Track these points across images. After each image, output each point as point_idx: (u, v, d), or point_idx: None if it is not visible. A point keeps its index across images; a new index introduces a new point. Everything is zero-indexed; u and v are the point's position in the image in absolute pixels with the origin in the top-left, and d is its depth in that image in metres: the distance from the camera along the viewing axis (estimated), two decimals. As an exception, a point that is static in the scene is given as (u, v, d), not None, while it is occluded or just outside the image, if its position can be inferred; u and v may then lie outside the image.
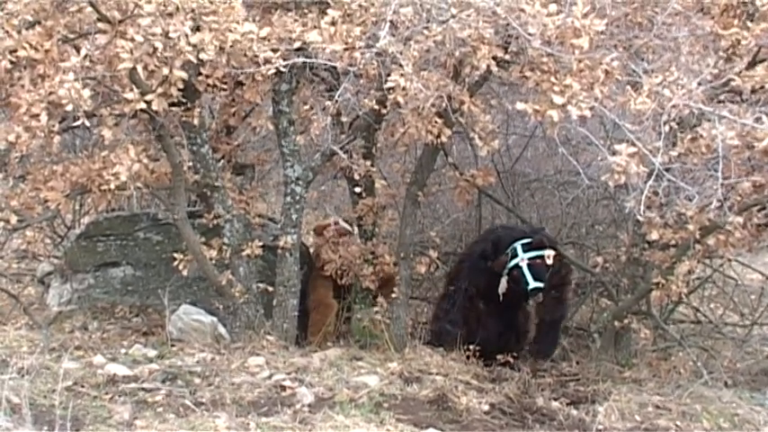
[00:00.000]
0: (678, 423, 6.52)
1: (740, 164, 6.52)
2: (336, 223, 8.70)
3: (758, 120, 6.09)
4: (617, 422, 6.48)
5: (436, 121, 6.60)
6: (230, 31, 6.02)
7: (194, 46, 5.95)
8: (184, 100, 6.85)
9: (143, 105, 6.22)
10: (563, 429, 6.27)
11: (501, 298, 8.22)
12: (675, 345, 8.81)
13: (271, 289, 7.77)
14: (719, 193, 6.00)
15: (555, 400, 6.83)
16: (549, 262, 7.98)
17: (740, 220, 6.68)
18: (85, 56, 5.94)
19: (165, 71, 6.10)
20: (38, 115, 5.93)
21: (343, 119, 7.92)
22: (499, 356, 8.12)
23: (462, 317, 8.33)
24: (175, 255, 7.56)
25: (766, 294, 10.02)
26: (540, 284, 7.93)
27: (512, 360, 8.17)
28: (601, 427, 6.28)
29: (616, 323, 8.16)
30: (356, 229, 8.67)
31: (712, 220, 6.68)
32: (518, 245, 8.06)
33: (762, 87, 6.45)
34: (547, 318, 8.41)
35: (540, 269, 7.96)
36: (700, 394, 7.26)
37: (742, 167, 6.63)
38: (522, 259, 7.98)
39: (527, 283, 7.94)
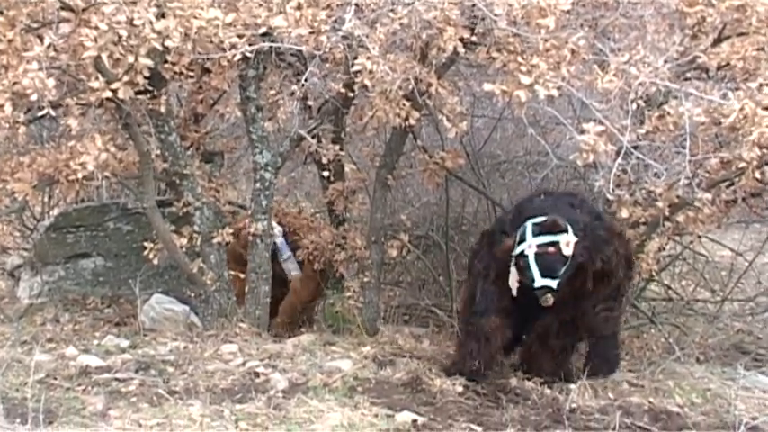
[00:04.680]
0: (651, 399, 6.56)
1: (708, 140, 6.57)
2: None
3: (724, 96, 6.13)
4: (590, 400, 6.51)
5: (404, 104, 6.57)
6: (195, 17, 5.99)
7: (159, 33, 5.91)
8: (151, 88, 6.79)
9: (109, 94, 6.19)
10: (537, 408, 6.29)
11: (515, 293, 6.58)
12: (647, 322, 8.86)
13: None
14: (688, 169, 6.05)
15: (528, 379, 6.84)
16: (567, 252, 6.24)
17: (709, 196, 6.72)
18: (49, 45, 5.88)
19: (131, 59, 6.07)
20: (2, 106, 5.87)
21: (311, 103, 7.89)
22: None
23: (492, 303, 6.72)
24: (146, 244, 7.53)
25: (736, 270, 10.08)
26: (551, 283, 6.24)
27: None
28: (574, 405, 6.30)
29: (588, 302, 8.14)
30: (281, 229, 8.26)
31: (681, 197, 6.71)
32: (529, 224, 6.40)
33: (728, 64, 6.50)
34: (596, 332, 6.83)
35: (551, 261, 6.24)
36: (672, 370, 7.32)
37: (709, 144, 6.67)
38: (530, 245, 6.28)
39: (532, 280, 6.28)
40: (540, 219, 6.36)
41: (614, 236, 6.65)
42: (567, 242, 6.22)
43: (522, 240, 6.33)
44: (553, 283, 6.22)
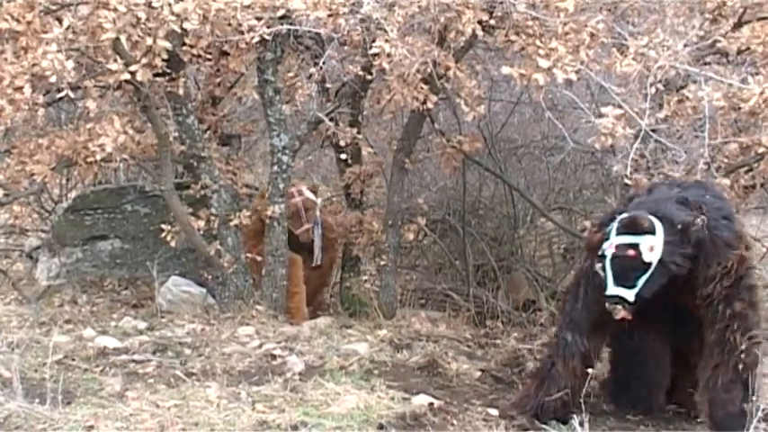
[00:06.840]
0: (668, 384, 6.54)
1: (726, 125, 6.54)
2: (300, 192, 7.99)
3: (744, 81, 6.10)
4: (607, 385, 6.50)
5: (422, 88, 6.57)
6: (213, -1, 6.01)
7: (178, 15, 5.93)
8: (169, 70, 6.81)
9: (127, 76, 6.20)
10: (553, 393, 6.28)
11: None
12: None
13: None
14: (706, 154, 6.02)
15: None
16: (649, 258, 5.17)
17: (727, 181, 6.68)
18: (68, 27, 5.90)
19: (149, 41, 6.08)
20: (21, 88, 5.89)
21: (329, 86, 7.89)
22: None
23: (589, 319, 5.65)
24: (163, 226, 7.52)
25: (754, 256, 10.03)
26: (625, 294, 5.22)
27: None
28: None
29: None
30: (319, 201, 8.24)
31: (699, 182, 6.68)
32: (617, 220, 5.36)
33: (747, 48, 6.46)
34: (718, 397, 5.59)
35: (626, 267, 5.21)
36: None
37: (728, 129, 6.64)
38: (611, 245, 5.26)
39: (605, 287, 5.29)
40: (625, 215, 5.35)
41: (742, 242, 5.50)
42: (651, 246, 5.17)
43: (608, 238, 5.34)
44: (628, 295, 5.21)
